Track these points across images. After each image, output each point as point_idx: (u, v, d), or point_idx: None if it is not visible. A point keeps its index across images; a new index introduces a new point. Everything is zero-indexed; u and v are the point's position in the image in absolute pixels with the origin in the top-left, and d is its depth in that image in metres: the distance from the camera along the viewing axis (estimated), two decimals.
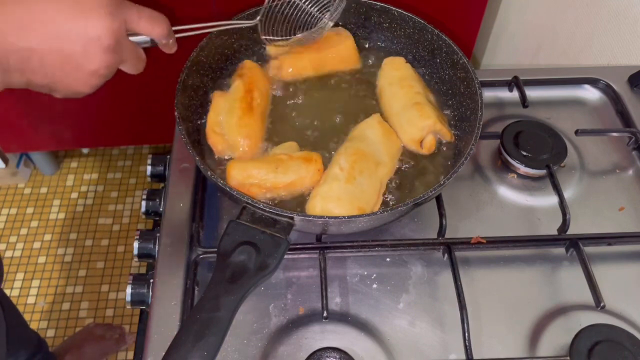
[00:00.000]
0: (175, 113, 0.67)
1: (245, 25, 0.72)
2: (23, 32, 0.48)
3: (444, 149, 0.73)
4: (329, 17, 0.76)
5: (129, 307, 0.68)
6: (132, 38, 0.56)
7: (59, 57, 0.50)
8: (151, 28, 0.56)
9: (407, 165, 0.71)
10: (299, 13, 0.75)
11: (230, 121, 0.70)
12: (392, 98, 0.75)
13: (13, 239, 1.62)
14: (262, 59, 0.81)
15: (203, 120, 0.73)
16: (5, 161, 1.69)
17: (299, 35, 0.75)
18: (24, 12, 0.48)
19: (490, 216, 0.74)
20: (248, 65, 0.77)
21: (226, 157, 0.70)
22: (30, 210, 1.68)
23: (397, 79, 0.76)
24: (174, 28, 0.60)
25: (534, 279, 0.69)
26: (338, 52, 0.80)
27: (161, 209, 0.72)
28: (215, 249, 0.58)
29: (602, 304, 0.63)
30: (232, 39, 0.78)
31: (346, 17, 0.82)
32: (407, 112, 0.72)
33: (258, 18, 0.72)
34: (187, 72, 0.71)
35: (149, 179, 0.78)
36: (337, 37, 0.80)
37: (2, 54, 0.47)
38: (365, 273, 0.69)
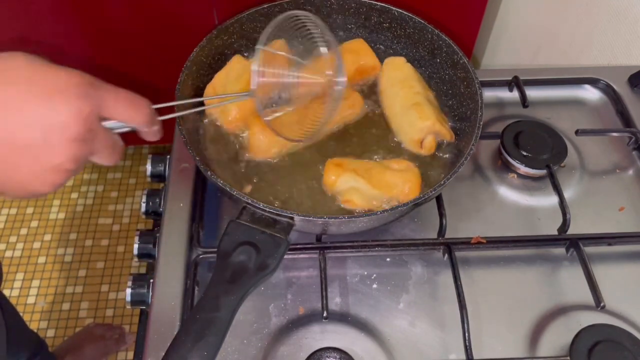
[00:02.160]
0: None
1: (241, 99, 0.65)
2: None
3: (444, 148, 0.73)
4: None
5: (129, 307, 0.68)
6: (105, 123, 0.47)
7: (11, 148, 0.40)
8: (131, 114, 0.46)
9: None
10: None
11: (234, 87, 0.71)
12: (393, 99, 0.75)
13: (13, 239, 1.62)
14: None
15: (205, 121, 0.73)
16: None
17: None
18: None
19: (490, 216, 0.74)
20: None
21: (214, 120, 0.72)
22: (30, 210, 1.68)
23: (398, 79, 0.76)
24: (156, 106, 0.50)
25: (534, 279, 0.69)
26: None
27: (161, 209, 0.72)
28: (215, 249, 0.58)
29: (602, 304, 0.63)
30: (232, 39, 0.78)
31: (346, 17, 0.82)
32: (406, 113, 0.72)
33: (253, 87, 0.62)
34: (187, 72, 0.71)
35: (149, 179, 0.78)
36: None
37: None
38: (365, 273, 0.69)
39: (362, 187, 0.66)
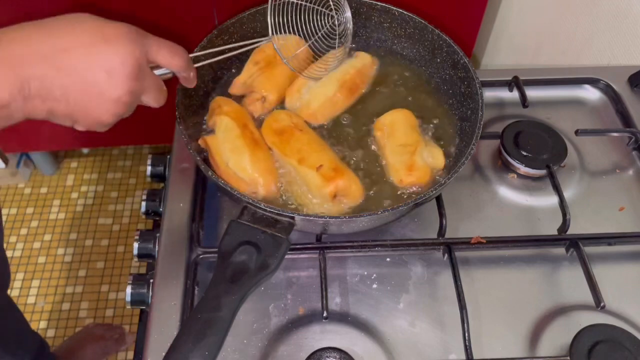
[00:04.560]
0: (176, 113, 0.67)
1: (262, 43, 0.71)
2: (45, 60, 0.47)
3: (444, 148, 0.73)
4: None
5: (129, 307, 0.68)
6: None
7: (82, 84, 0.49)
8: (170, 59, 0.56)
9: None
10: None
11: (242, 161, 0.66)
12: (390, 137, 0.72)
13: (13, 239, 1.62)
14: None
15: (204, 125, 0.73)
16: (5, 161, 1.69)
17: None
18: (45, 40, 0.48)
19: (490, 216, 0.74)
20: (224, 101, 0.73)
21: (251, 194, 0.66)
22: (30, 210, 1.68)
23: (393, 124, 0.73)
24: (191, 55, 0.59)
25: (534, 279, 0.69)
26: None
27: (161, 209, 0.72)
28: (216, 249, 0.59)
29: (602, 304, 0.63)
30: (232, 39, 0.78)
31: None
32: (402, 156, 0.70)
33: (270, 35, 0.70)
34: None
35: (149, 179, 0.78)
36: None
37: (23, 80, 0.46)
38: (365, 273, 0.69)
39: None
